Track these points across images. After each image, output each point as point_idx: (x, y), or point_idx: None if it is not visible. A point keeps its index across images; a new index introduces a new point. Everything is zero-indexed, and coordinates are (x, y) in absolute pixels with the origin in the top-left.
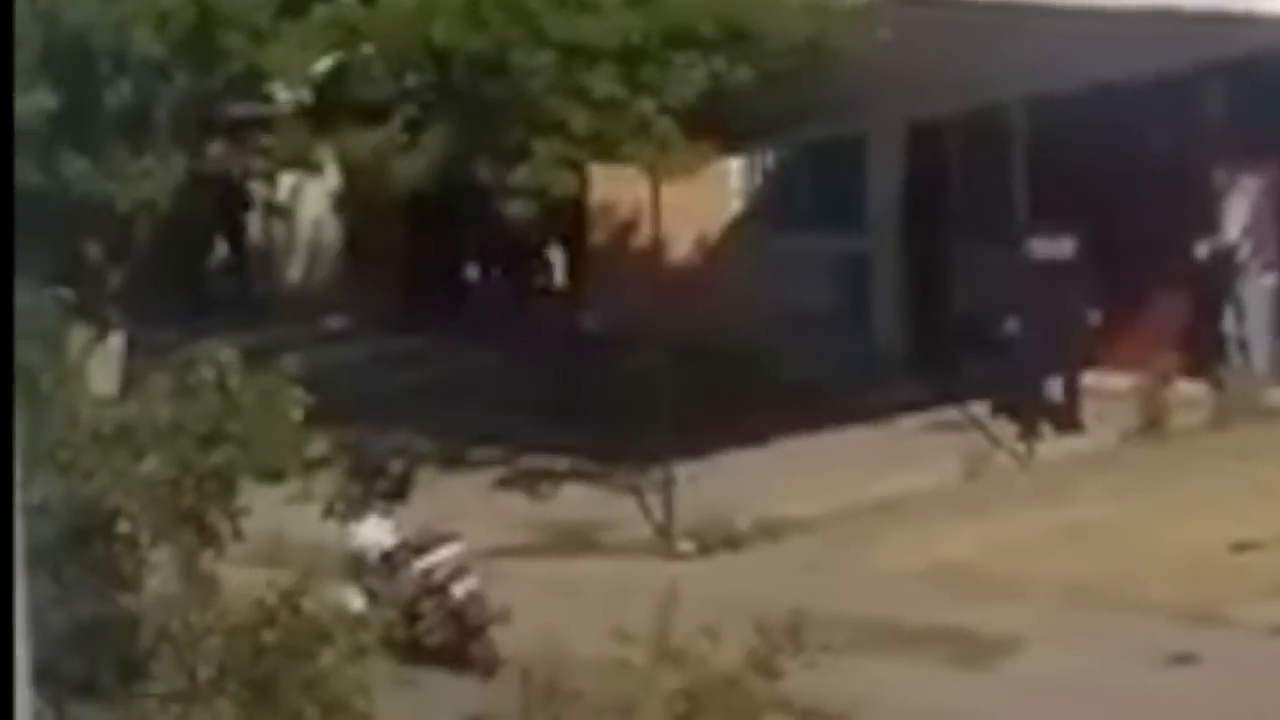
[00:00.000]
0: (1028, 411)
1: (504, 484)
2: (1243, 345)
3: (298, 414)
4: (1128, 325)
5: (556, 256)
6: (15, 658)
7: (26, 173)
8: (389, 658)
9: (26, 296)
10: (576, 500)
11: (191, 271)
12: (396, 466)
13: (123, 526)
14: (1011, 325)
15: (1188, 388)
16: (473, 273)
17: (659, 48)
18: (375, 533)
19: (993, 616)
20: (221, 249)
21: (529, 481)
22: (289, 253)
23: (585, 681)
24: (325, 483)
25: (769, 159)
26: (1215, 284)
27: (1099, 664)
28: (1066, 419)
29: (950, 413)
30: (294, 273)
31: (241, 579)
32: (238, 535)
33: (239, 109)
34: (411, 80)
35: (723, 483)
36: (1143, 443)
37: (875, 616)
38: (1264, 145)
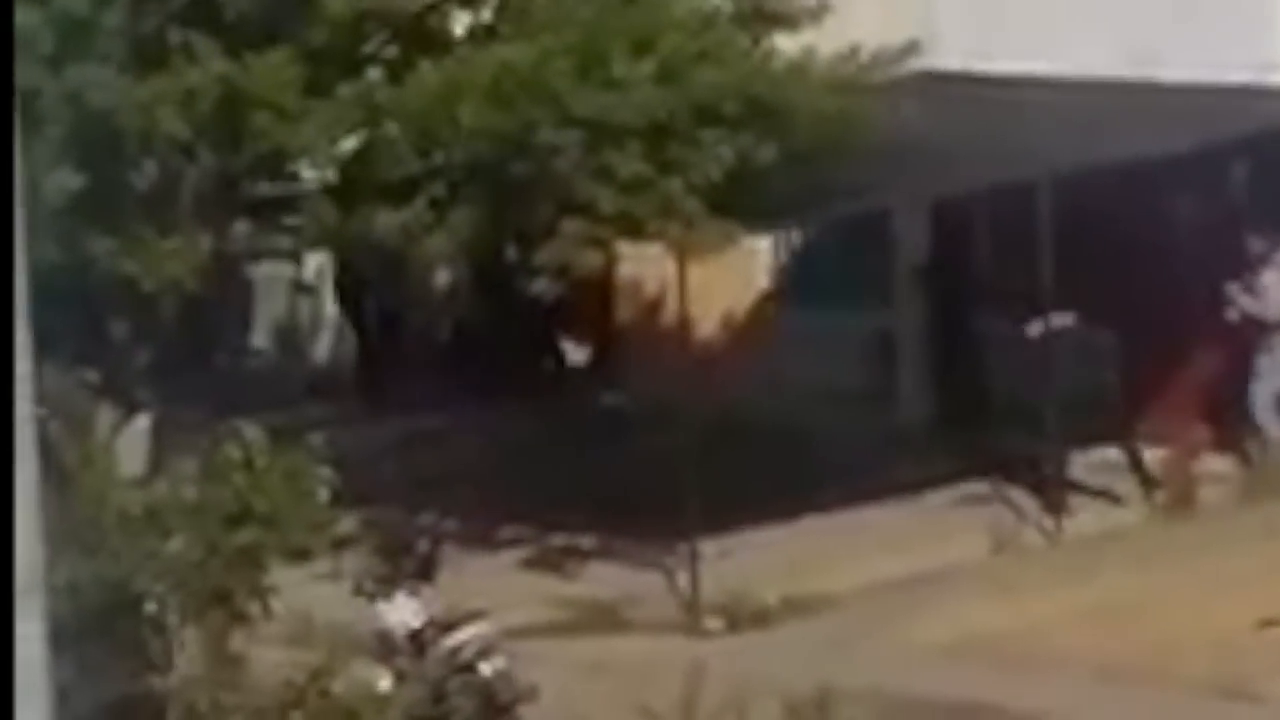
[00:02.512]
0: (1055, 485)
1: (530, 562)
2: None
3: (324, 493)
4: (1154, 400)
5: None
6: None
7: (52, 252)
8: None
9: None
10: (603, 578)
11: (217, 350)
12: (423, 545)
13: (150, 607)
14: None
15: (1215, 462)
16: (500, 351)
17: (685, 126)
18: (402, 612)
19: (1022, 692)
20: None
21: (556, 559)
22: (315, 332)
23: None
24: (353, 562)
25: (795, 236)
26: (1243, 359)
27: None
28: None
29: (977, 487)
30: (320, 352)
31: (270, 659)
32: (266, 614)
33: (265, 188)
34: (437, 159)
35: (750, 559)
36: (1170, 518)
37: (904, 693)
38: None
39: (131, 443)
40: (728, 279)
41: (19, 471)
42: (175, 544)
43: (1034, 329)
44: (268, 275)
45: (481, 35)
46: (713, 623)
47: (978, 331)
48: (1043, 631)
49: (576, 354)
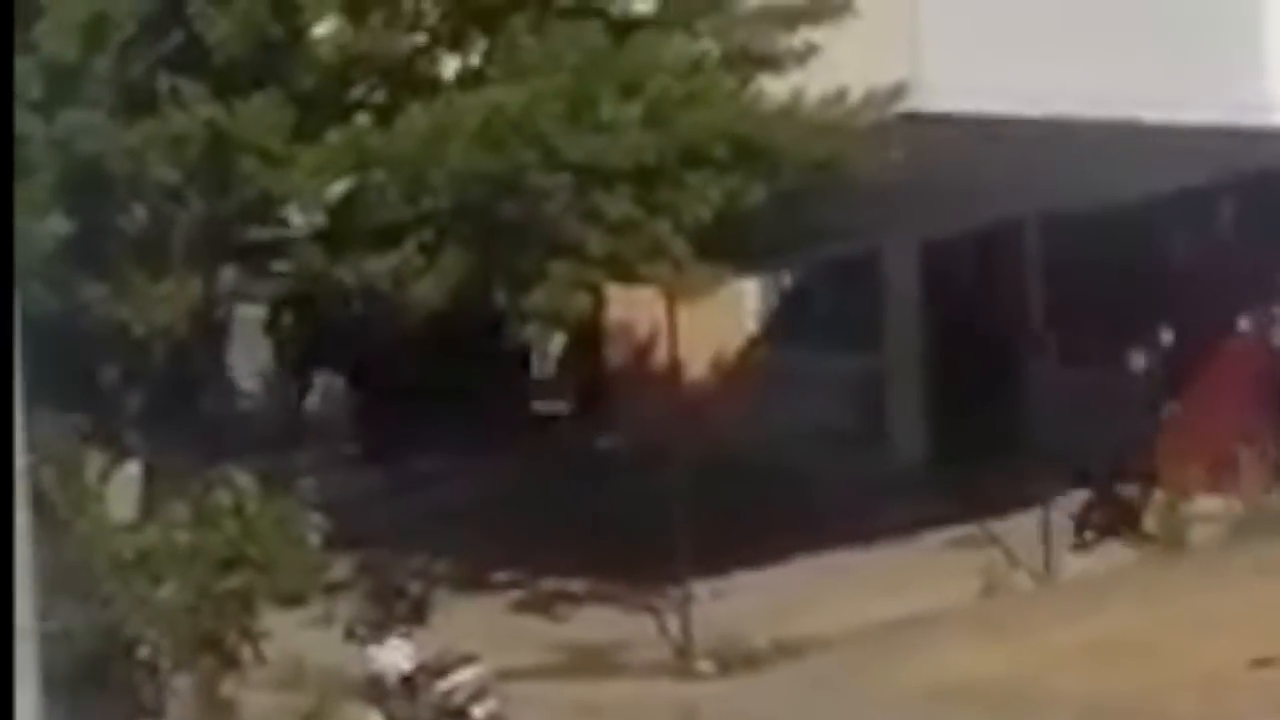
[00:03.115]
0: (1046, 527)
1: (522, 606)
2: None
3: (316, 538)
4: (1146, 440)
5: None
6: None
7: (42, 298)
8: None
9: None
10: (595, 621)
11: (206, 395)
12: (415, 589)
13: (143, 653)
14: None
15: (1207, 502)
16: (490, 395)
17: (674, 168)
18: (395, 655)
19: None
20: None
21: (547, 603)
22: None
23: None
24: (345, 606)
25: (785, 278)
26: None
27: None
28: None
29: (968, 529)
30: (312, 396)
31: (262, 703)
32: (259, 659)
33: (254, 233)
34: (426, 203)
35: (741, 602)
36: (1162, 558)
37: None
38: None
39: (122, 488)
40: (717, 321)
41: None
42: (167, 589)
43: (1025, 369)
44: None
45: (470, 79)
46: (704, 666)
47: (968, 372)
48: (1033, 673)
49: (567, 398)
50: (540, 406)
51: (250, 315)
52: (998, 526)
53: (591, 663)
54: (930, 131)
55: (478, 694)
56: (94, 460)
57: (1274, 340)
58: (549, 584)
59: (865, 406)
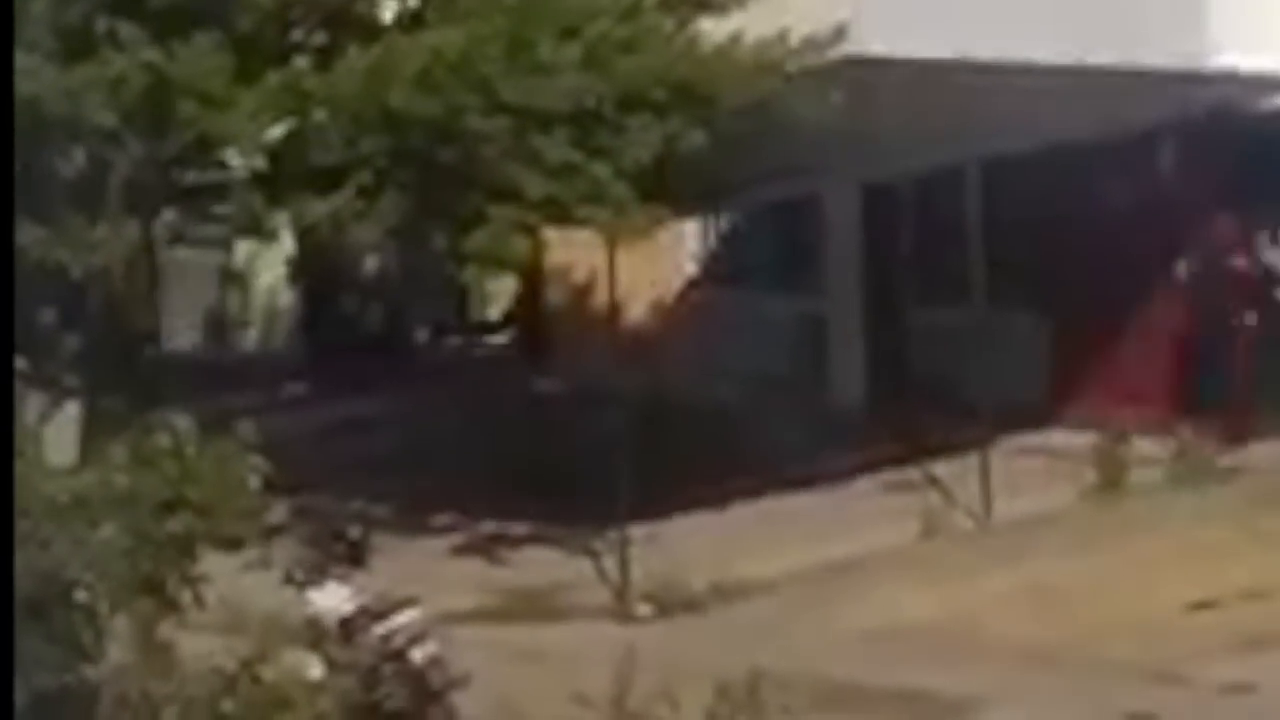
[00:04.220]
0: (984, 469)
1: (462, 549)
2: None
3: (255, 481)
4: (1085, 383)
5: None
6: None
7: None
8: None
9: None
10: (535, 563)
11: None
12: (354, 532)
13: (81, 596)
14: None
15: (1146, 445)
16: (427, 337)
17: (612, 111)
18: (334, 599)
19: (952, 677)
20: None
21: (487, 546)
22: (246, 319)
23: None
24: (283, 550)
25: (724, 221)
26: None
27: None
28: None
29: (908, 472)
30: (251, 339)
31: (200, 647)
32: (198, 603)
33: (193, 176)
34: (366, 146)
35: (680, 544)
36: (1100, 502)
37: (834, 678)
38: (1216, 200)
39: (60, 430)
40: (657, 264)
41: None
42: (105, 532)
43: (964, 313)
44: (195, 262)
45: (409, 22)
46: (643, 609)
47: (908, 316)
48: (971, 616)
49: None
50: (478, 350)
51: (189, 259)
52: (937, 469)
53: (531, 606)
54: (872, 74)
55: (417, 637)
56: (32, 403)
57: (1213, 283)
58: (488, 527)
59: (805, 350)
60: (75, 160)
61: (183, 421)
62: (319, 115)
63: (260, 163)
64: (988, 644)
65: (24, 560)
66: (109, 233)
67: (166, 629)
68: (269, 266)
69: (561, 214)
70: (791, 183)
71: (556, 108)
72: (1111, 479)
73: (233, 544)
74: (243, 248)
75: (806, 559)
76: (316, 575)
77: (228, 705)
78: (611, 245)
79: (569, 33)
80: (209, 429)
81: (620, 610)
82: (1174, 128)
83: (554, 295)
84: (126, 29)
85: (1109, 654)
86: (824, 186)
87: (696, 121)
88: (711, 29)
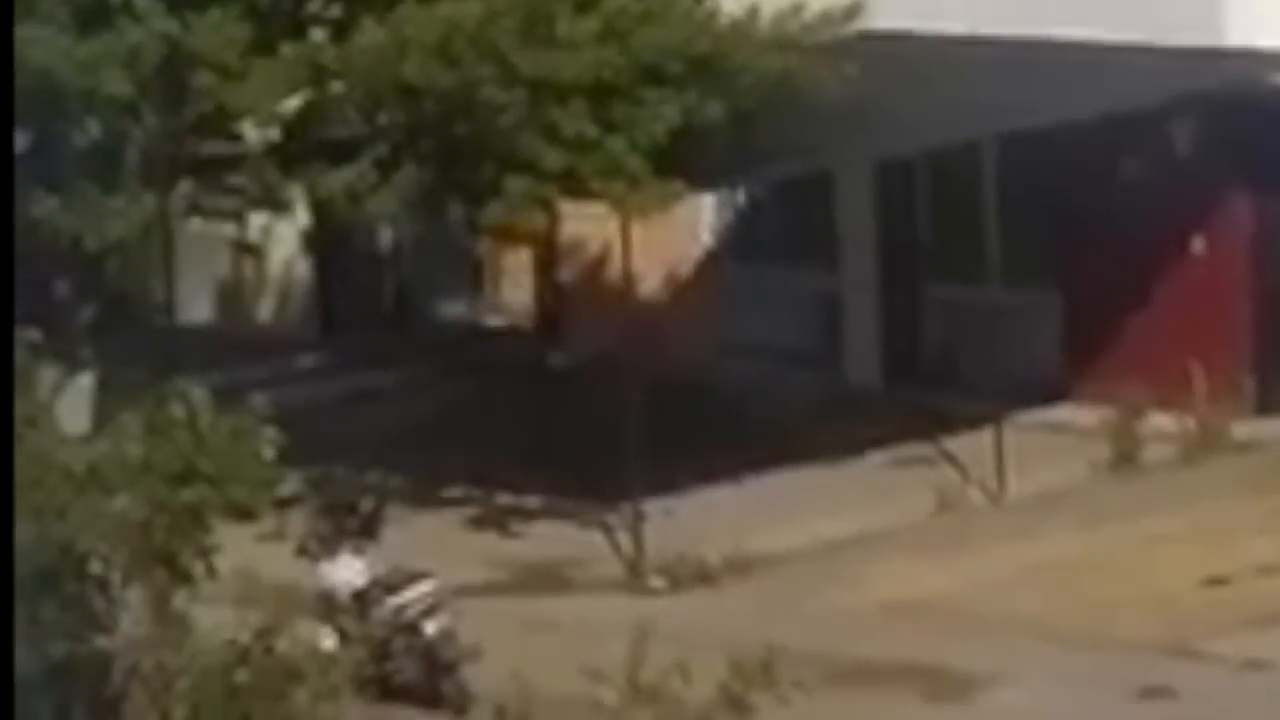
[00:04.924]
0: (999, 445)
1: (476, 522)
2: None
3: (269, 452)
4: (1099, 359)
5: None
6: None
7: None
8: (361, 696)
9: None
10: (548, 537)
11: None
12: (368, 505)
13: (95, 567)
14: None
15: (1160, 420)
16: (443, 310)
17: (629, 85)
18: (347, 571)
19: (965, 652)
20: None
21: (501, 519)
22: (260, 291)
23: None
24: (297, 521)
25: (739, 196)
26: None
27: (1071, 698)
28: None
29: (922, 448)
30: (265, 311)
31: (214, 618)
32: (211, 574)
33: (209, 147)
34: (382, 118)
35: (694, 519)
36: (1114, 477)
37: (847, 652)
38: (1231, 177)
39: (75, 401)
40: (672, 239)
41: None
42: (119, 502)
43: (979, 289)
44: (210, 234)
45: None
46: (656, 582)
47: (923, 292)
48: (985, 591)
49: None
50: (492, 322)
51: (204, 231)
52: (951, 445)
53: (544, 579)
54: (888, 49)
55: (430, 610)
56: (46, 374)
57: (1228, 259)
58: (502, 500)
59: (820, 325)
60: (90, 132)
61: (197, 393)
62: (335, 87)
63: (276, 135)
64: (1002, 619)
65: (39, 530)
66: (124, 204)
67: (180, 600)
68: (284, 239)
69: (577, 187)
70: (807, 158)
71: (573, 80)
72: (1126, 454)
73: (246, 515)
74: (258, 220)
75: (820, 533)
76: (330, 547)
77: (241, 676)
78: (626, 219)
79: (587, 5)
80: (223, 400)
81: (634, 583)
82: (1191, 104)
83: (568, 269)
84: (142, 0)
85: (1124, 629)
86: (839, 162)
87: (713, 96)
88: (729, 3)
